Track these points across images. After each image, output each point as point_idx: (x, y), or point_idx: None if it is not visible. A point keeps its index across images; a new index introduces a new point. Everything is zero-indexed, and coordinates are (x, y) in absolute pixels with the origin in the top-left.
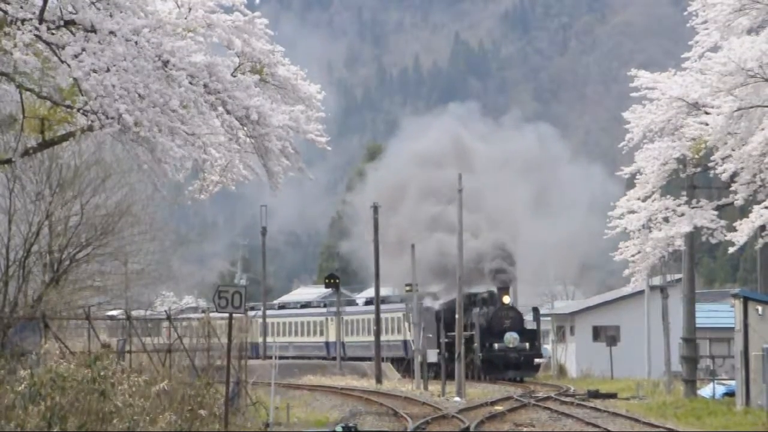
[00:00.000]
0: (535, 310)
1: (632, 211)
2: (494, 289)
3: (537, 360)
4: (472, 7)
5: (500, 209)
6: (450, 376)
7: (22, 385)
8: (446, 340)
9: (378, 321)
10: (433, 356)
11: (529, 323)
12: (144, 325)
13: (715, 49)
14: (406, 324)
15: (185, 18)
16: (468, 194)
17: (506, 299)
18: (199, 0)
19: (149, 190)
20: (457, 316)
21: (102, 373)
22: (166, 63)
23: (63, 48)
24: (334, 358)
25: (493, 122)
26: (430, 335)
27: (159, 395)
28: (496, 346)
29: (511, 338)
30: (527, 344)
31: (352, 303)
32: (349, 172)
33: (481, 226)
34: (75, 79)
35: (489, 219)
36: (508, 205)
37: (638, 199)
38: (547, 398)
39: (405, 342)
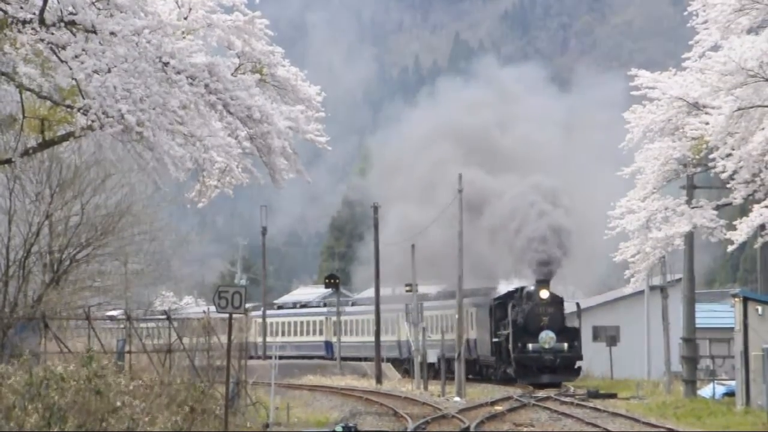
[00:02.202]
0: (577, 305)
1: (632, 211)
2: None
3: (578, 363)
4: (471, 7)
5: (552, 184)
6: (503, 379)
7: (18, 384)
8: (495, 339)
9: (378, 321)
10: (433, 356)
11: (574, 321)
12: (144, 325)
13: (715, 48)
14: (405, 324)
15: (185, 18)
16: (513, 153)
17: (544, 294)
18: (199, 0)
19: (149, 190)
20: (457, 316)
21: (99, 373)
22: (166, 65)
23: (63, 48)
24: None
25: (559, 89)
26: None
27: (159, 395)
28: (530, 346)
29: (547, 338)
30: (565, 344)
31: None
32: (348, 173)
33: (534, 200)
34: (76, 81)
35: (541, 189)
36: (565, 178)
37: (638, 199)
38: (547, 398)
39: (467, 341)
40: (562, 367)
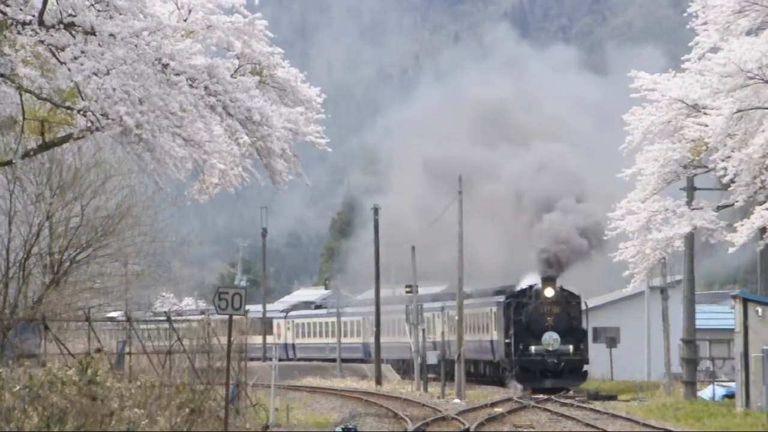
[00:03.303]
0: (585, 305)
1: (632, 213)
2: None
3: (585, 366)
4: (472, 8)
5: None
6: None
7: (18, 387)
8: (507, 340)
9: (378, 323)
10: (432, 358)
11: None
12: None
13: (714, 50)
14: (407, 325)
15: (185, 20)
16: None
17: (549, 292)
18: (199, 2)
19: (150, 191)
20: (457, 317)
21: (97, 379)
22: (165, 66)
23: (63, 50)
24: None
25: (594, 74)
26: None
27: (159, 397)
28: (532, 348)
29: (550, 339)
30: (571, 347)
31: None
32: (349, 173)
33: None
34: (75, 83)
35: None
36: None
37: (638, 200)
38: (547, 400)
39: (492, 342)
40: (567, 371)
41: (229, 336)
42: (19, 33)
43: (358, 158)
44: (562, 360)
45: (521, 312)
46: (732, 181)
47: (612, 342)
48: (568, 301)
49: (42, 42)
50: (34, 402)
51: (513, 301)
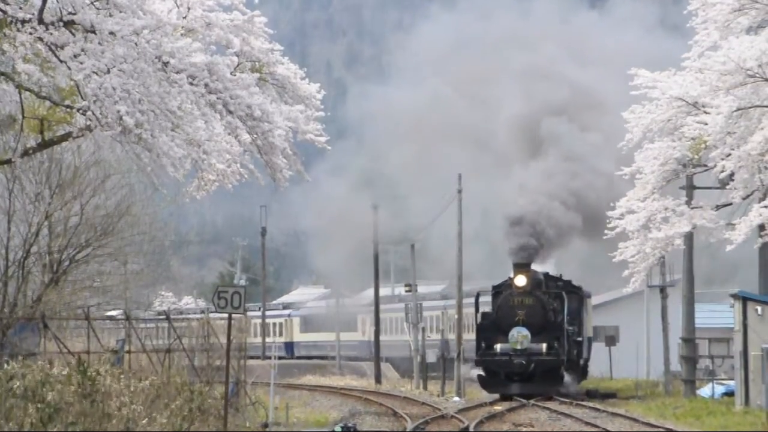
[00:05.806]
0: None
1: (631, 212)
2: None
3: (566, 369)
4: (472, 6)
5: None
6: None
7: (16, 385)
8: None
9: (377, 321)
10: (432, 356)
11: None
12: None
13: (714, 48)
14: (406, 324)
15: (184, 17)
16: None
17: (520, 281)
18: None
19: (149, 190)
20: (456, 315)
21: (96, 381)
22: (166, 64)
23: (62, 48)
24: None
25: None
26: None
27: (159, 395)
28: (498, 347)
29: (519, 336)
30: (544, 345)
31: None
32: (347, 172)
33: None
34: (75, 82)
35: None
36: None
37: (638, 199)
38: (547, 398)
39: None
40: (539, 374)
41: (229, 335)
42: (18, 31)
43: (355, 158)
44: (533, 361)
45: (483, 304)
46: (730, 178)
47: (611, 341)
48: (557, 292)
49: (41, 40)
50: (30, 400)
51: (489, 292)
